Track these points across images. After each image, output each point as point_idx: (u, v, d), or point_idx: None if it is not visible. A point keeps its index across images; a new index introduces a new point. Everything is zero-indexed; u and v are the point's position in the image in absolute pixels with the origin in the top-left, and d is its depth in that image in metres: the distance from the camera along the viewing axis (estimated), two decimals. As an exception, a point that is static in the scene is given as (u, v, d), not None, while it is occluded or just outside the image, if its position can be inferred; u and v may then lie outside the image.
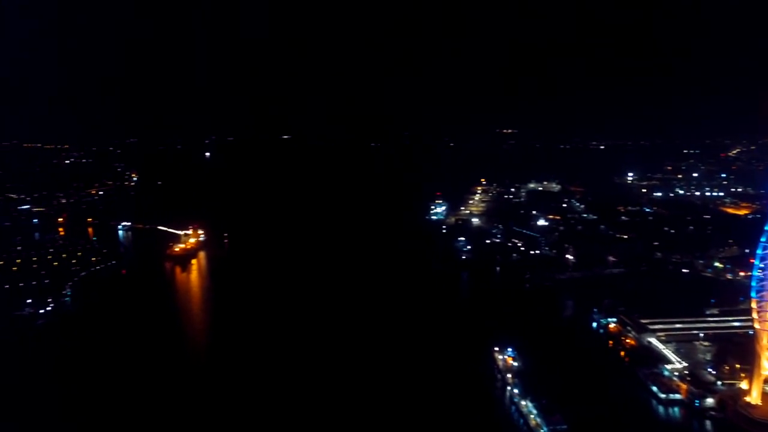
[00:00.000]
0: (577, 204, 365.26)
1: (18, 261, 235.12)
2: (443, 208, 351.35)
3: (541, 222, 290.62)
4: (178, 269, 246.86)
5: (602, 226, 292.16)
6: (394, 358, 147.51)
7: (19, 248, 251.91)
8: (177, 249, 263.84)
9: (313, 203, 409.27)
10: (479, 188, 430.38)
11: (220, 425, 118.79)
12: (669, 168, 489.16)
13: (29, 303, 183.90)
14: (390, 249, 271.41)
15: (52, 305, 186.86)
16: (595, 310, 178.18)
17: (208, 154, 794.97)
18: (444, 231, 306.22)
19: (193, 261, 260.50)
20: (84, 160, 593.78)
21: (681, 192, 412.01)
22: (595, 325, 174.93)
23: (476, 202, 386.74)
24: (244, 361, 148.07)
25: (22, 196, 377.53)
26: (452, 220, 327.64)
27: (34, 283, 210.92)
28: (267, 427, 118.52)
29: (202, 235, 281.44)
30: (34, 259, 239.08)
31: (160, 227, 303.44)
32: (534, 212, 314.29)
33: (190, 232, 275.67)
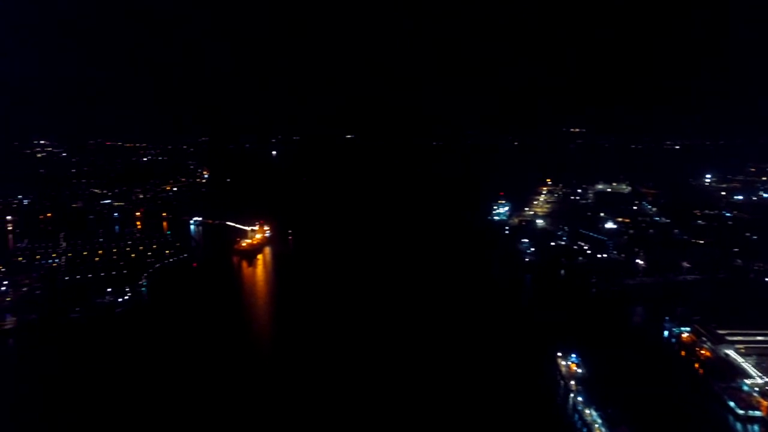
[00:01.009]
0: (649, 207, 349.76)
1: (100, 252, 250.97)
2: (506, 208, 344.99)
3: (610, 225, 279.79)
4: (244, 263, 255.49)
5: (676, 231, 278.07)
6: (454, 361, 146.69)
7: (101, 240, 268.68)
8: (244, 244, 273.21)
9: (376, 202, 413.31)
10: (544, 188, 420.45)
11: (279, 410, 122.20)
12: (752, 169, 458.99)
13: (109, 291, 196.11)
14: (451, 249, 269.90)
15: (129, 294, 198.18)
16: (667, 318, 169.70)
17: (274, 152, 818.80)
18: (507, 232, 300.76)
19: (259, 256, 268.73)
20: (160, 158, 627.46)
21: (765, 195, 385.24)
22: (666, 334, 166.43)
23: (541, 203, 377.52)
24: (304, 352, 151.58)
25: (105, 191, 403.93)
26: (515, 221, 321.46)
27: (114, 272, 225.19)
28: (329, 418, 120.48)
29: (268, 231, 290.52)
30: (114, 250, 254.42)
31: (228, 223, 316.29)
32: (602, 214, 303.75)
33: (256, 227, 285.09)
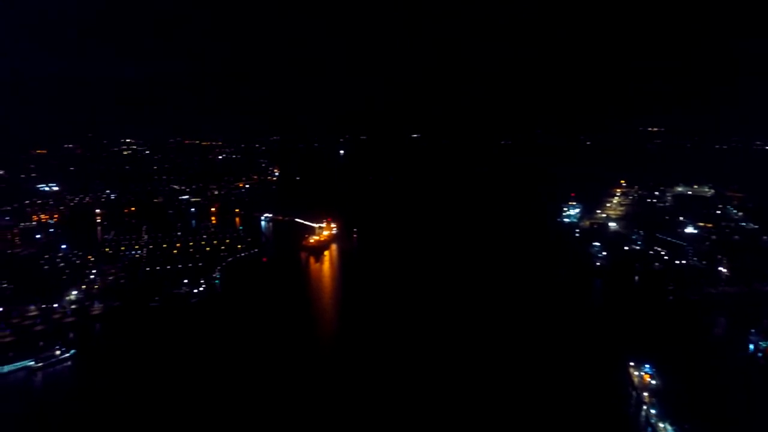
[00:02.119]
0: (734, 211, 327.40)
1: (178, 245, 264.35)
2: (577, 210, 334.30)
3: (690, 229, 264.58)
4: (312, 259, 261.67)
5: (765, 237, 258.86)
6: (519, 366, 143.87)
7: (179, 233, 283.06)
8: (312, 240, 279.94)
9: (442, 201, 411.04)
10: (618, 190, 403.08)
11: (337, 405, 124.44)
12: None
13: (185, 283, 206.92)
14: (518, 250, 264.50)
15: (203, 286, 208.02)
16: (752, 330, 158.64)
17: (342, 151, 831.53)
18: (577, 235, 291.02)
19: (326, 252, 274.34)
20: (234, 156, 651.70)
21: None
22: (752, 347, 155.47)
23: (614, 205, 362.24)
24: (367, 346, 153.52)
25: (183, 188, 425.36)
26: (587, 223, 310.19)
27: (189, 265, 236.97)
28: (392, 411, 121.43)
29: (335, 229, 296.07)
30: (191, 243, 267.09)
31: (297, 219, 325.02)
32: (681, 218, 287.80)
33: (323, 225, 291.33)
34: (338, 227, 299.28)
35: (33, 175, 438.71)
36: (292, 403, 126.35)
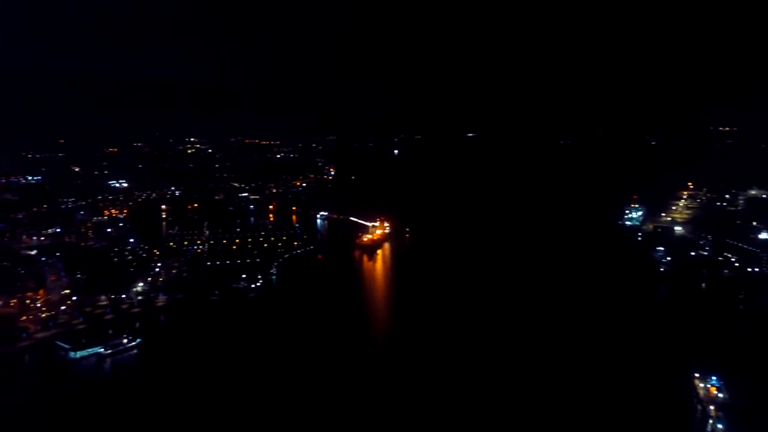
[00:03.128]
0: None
1: (237, 241, 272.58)
2: (640, 213, 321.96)
3: (764, 235, 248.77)
4: (365, 257, 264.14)
5: None
6: (577, 374, 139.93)
7: (238, 230, 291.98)
8: (365, 239, 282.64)
9: (498, 201, 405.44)
10: (685, 193, 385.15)
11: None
12: None
13: (243, 278, 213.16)
14: (576, 253, 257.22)
15: (260, 281, 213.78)
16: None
17: (396, 151, 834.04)
18: (639, 238, 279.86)
19: (379, 251, 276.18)
20: (291, 156, 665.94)
21: None
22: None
23: (680, 209, 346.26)
24: (418, 343, 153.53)
25: (243, 185, 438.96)
26: (650, 227, 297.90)
27: (248, 260, 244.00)
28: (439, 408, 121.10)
29: (388, 228, 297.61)
30: (249, 240, 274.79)
31: (351, 218, 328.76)
32: (754, 223, 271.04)
33: (377, 224, 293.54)
34: (391, 226, 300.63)
35: (105, 172, 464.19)
36: (345, 395, 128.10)
